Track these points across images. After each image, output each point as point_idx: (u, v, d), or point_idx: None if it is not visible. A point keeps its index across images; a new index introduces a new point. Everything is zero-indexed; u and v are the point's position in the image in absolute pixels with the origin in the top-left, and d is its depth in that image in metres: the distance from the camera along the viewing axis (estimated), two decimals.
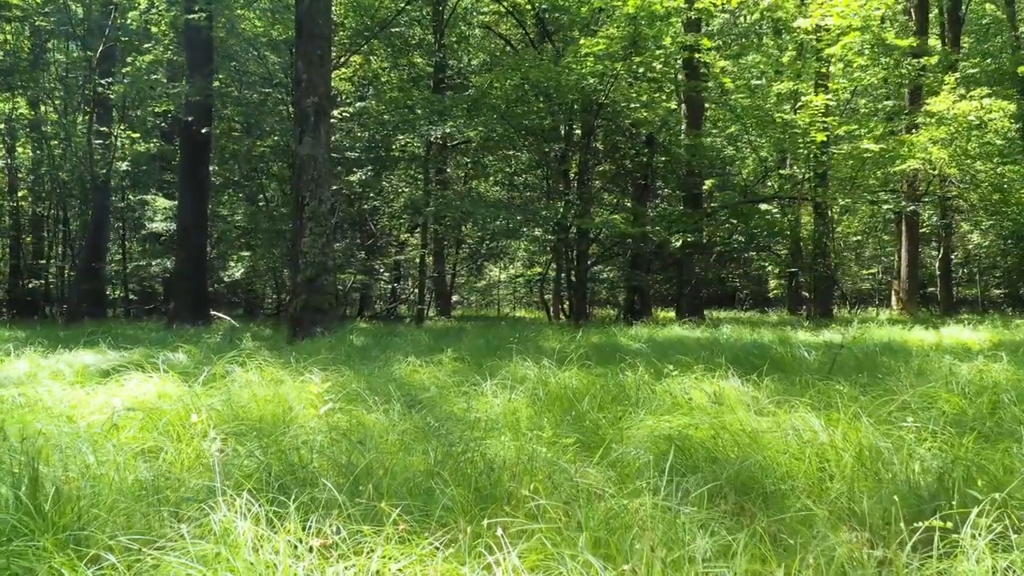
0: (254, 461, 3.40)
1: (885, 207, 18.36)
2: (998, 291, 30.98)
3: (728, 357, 7.83)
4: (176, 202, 19.51)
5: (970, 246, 26.86)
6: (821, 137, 15.21)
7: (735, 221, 20.06)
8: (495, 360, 7.21)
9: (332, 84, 22.32)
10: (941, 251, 23.86)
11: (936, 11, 26.41)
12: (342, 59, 21.25)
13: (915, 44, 16.11)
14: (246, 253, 22.35)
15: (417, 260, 22.91)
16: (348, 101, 21.31)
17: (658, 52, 15.83)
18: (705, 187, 21.00)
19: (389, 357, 7.86)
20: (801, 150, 16.03)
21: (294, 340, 10.59)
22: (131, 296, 26.62)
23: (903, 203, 18.85)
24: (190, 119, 17.20)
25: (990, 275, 30.95)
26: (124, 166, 24.87)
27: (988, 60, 25.45)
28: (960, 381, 6.11)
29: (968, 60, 24.26)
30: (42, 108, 25.05)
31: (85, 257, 23.22)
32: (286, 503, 2.70)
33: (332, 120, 17.82)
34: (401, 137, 21.04)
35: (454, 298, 31.28)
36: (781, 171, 18.92)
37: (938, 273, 24.49)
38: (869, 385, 6.05)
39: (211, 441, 3.84)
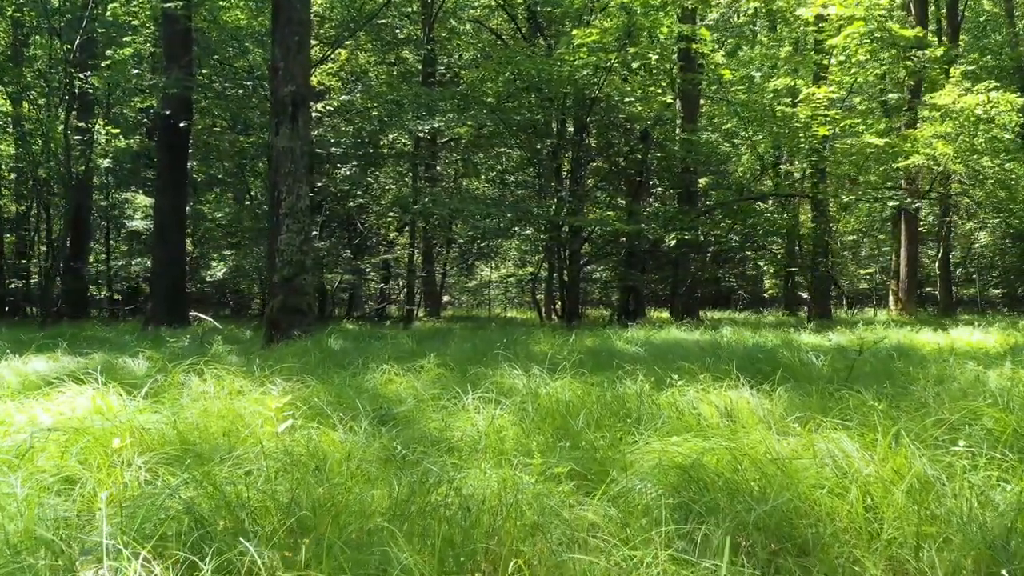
0: (178, 500, 2.79)
1: (891, 204, 17.78)
2: (996, 291, 30.58)
3: (734, 363, 7.27)
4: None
5: (976, 245, 26.38)
6: (823, 131, 14.66)
7: (730, 221, 19.46)
8: (481, 367, 6.61)
9: (320, 80, 21.82)
10: (941, 250, 23.37)
11: (934, 7, 25.98)
12: (328, 54, 20.62)
13: (921, 35, 15.59)
14: (228, 252, 21.69)
15: (406, 259, 22.28)
16: (335, 98, 20.65)
17: (654, 43, 15.25)
18: (700, 184, 20.45)
19: (367, 363, 7.25)
20: (802, 145, 15.46)
21: (270, 343, 9.97)
22: (117, 296, 25.90)
23: (908, 200, 18.31)
24: (168, 113, 16.53)
25: (987, 275, 30.56)
26: (105, 163, 24.16)
27: (987, 57, 25.04)
28: (992, 391, 5.56)
29: (966, 57, 23.84)
30: (25, 105, 24.31)
31: (65, 257, 22.54)
32: (199, 566, 2.10)
33: (316, 114, 17.22)
34: (390, 135, 20.41)
35: (445, 298, 30.67)
36: (780, 166, 18.35)
37: (938, 272, 24.00)
38: (894, 396, 5.49)
39: (136, 470, 3.23)
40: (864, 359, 8.13)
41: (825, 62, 16.14)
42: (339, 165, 18.69)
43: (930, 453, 3.30)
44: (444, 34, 23.22)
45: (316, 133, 16.82)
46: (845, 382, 5.94)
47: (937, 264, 23.83)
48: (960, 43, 25.34)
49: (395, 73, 22.52)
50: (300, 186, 10.31)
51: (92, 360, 7.55)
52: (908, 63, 16.30)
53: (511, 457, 3.62)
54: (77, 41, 20.06)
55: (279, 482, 3.12)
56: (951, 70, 16.67)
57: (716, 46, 16.81)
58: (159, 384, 5.39)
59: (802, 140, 15.39)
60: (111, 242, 27.13)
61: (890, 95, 20.20)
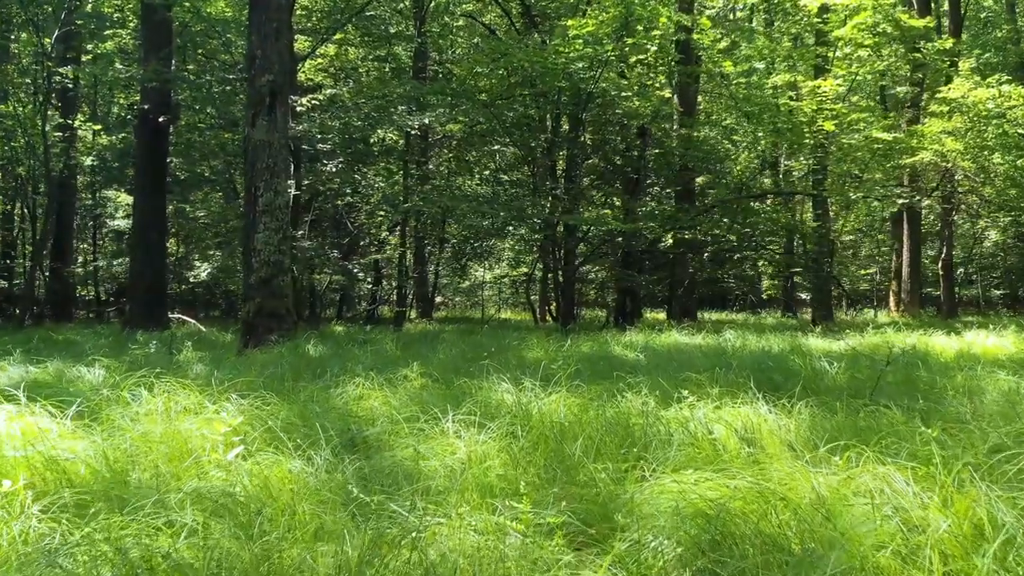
0: (61, 569, 2.18)
1: (900, 201, 17.21)
2: (997, 291, 30.13)
3: (743, 373, 6.68)
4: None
5: (986, 244, 25.84)
6: (829, 126, 14.07)
7: (727, 220, 18.81)
8: (468, 378, 6.00)
9: (308, 76, 21.15)
10: (944, 250, 22.82)
11: (934, 3, 25.50)
12: (316, 47, 19.99)
13: (931, 24, 15.03)
14: (215, 252, 21.03)
15: (396, 260, 21.65)
16: (323, 92, 20.00)
17: (654, 33, 14.64)
18: (698, 182, 19.88)
19: (344, 372, 6.65)
20: (807, 140, 14.85)
21: (245, 349, 9.35)
22: (107, 297, 25.19)
23: (917, 197, 17.71)
24: (147, 107, 15.89)
25: (988, 275, 30.11)
26: (89, 161, 23.47)
27: (988, 54, 24.57)
28: None
29: (968, 54, 23.34)
30: (10, 103, 23.58)
31: (46, 256, 21.91)
32: None
33: (301, 108, 16.57)
34: (380, 131, 19.78)
35: (438, 299, 30.08)
36: (786, 163, 17.71)
37: (940, 273, 23.45)
38: (926, 412, 4.92)
39: (27, 519, 2.62)
40: (879, 364, 7.56)
41: (830, 54, 15.51)
42: (325, 162, 18.04)
43: (1004, 495, 2.72)
44: (436, 28, 22.62)
45: (301, 128, 16.16)
46: (871, 396, 5.36)
47: (940, 264, 23.27)
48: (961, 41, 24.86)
49: (386, 69, 21.90)
50: (278, 181, 9.69)
51: (44, 370, 6.93)
52: (917, 55, 15.70)
53: (496, 497, 3.03)
54: (56, 34, 19.43)
55: (207, 535, 2.52)
56: (960, 63, 16.11)
57: (718, 36, 16.18)
58: (104, 400, 4.78)
59: (807, 135, 14.77)
60: (98, 242, 26.43)
61: (899, 88, 19.54)
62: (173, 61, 17.94)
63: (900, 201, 17.18)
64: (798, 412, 4.81)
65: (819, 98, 14.05)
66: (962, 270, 28.91)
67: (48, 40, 19.76)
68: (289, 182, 16.72)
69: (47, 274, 22.56)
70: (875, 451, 3.35)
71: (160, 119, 15.74)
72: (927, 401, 5.27)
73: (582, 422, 4.28)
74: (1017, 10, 26.68)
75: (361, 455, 3.82)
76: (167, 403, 4.70)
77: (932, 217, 25.20)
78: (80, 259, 25.18)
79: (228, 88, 19.37)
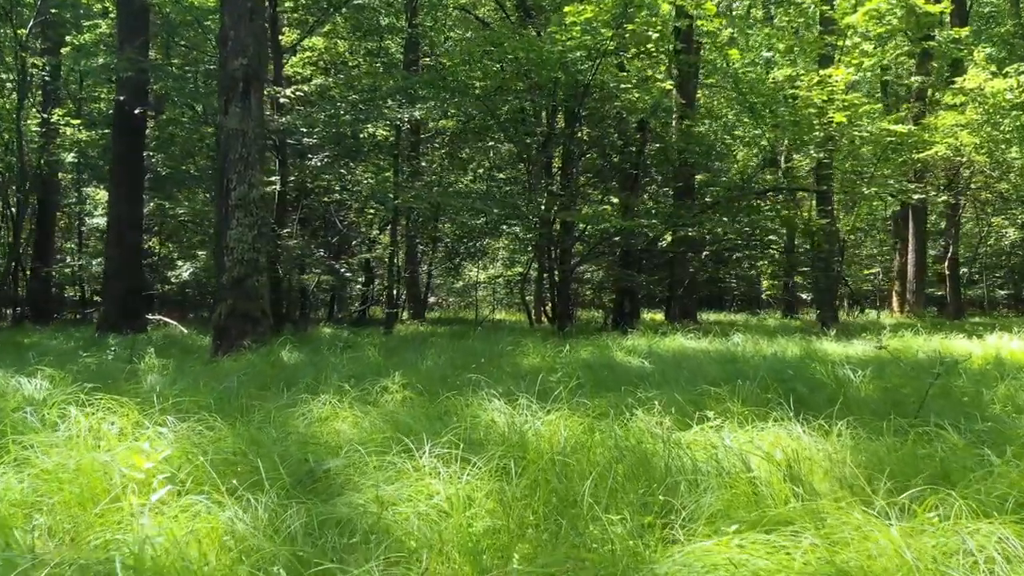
0: None
1: (916, 197, 16.55)
2: (1001, 292, 29.58)
3: (761, 382, 6.00)
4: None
5: (1005, 242, 25.24)
6: (840, 117, 13.41)
7: (727, 219, 18.11)
8: (456, 391, 5.29)
9: (296, 70, 20.39)
10: (951, 249, 22.17)
11: None
12: (302, 38, 19.25)
13: (948, 10, 14.37)
14: (201, 252, 20.28)
15: (387, 259, 20.91)
16: (309, 84, 19.27)
17: (654, 19, 13.95)
18: (699, 179, 19.20)
19: (319, 383, 5.93)
20: (817, 132, 14.18)
21: (216, 355, 8.62)
22: (91, 297, 24.38)
23: (933, 193, 17.01)
24: (122, 98, 15.14)
25: (990, 275, 29.59)
26: (70, 157, 22.68)
27: (993, 48, 24.02)
28: None
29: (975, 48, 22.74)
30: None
31: (28, 255, 21.13)
32: None
33: (285, 100, 15.85)
34: (370, 126, 19.07)
35: (431, 299, 29.38)
36: (794, 157, 16.97)
37: (947, 272, 22.81)
38: (987, 434, 4.24)
39: None
40: (912, 372, 6.91)
41: (840, 43, 14.82)
42: (310, 156, 17.31)
43: None
44: (429, 23, 21.91)
45: (286, 120, 15.43)
46: (917, 414, 4.68)
47: (946, 263, 22.63)
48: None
49: (377, 64, 21.19)
50: (252, 174, 8.94)
51: None
52: (932, 43, 15.03)
53: (483, 555, 2.33)
54: (31, 24, 18.66)
55: None
56: (975, 53, 15.47)
57: (722, 24, 15.46)
58: (20, 422, 4.06)
59: (817, 127, 14.10)
60: (83, 241, 25.62)
61: (912, 79, 18.85)
62: (152, 51, 17.19)
63: (916, 197, 16.51)
64: (837, 434, 4.12)
65: (829, 88, 13.40)
66: (965, 270, 28.36)
67: (23, 31, 18.98)
68: (274, 178, 16.11)
69: (28, 274, 21.79)
70: (962, 495, 2.66)
71: (136, 111, 14.98)
72: (979, 419, 4.58)
73: (587, 448, 3.58)
74: (1022, 4, 26.11)
75: (320, 495, 3.11)
76: (97, 426, 3.99)
77: (935, 216, 24.57)
78: (68, 259, 24.39)
79: (214, 82, 18.61)
